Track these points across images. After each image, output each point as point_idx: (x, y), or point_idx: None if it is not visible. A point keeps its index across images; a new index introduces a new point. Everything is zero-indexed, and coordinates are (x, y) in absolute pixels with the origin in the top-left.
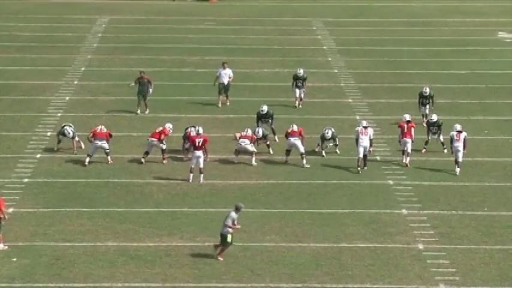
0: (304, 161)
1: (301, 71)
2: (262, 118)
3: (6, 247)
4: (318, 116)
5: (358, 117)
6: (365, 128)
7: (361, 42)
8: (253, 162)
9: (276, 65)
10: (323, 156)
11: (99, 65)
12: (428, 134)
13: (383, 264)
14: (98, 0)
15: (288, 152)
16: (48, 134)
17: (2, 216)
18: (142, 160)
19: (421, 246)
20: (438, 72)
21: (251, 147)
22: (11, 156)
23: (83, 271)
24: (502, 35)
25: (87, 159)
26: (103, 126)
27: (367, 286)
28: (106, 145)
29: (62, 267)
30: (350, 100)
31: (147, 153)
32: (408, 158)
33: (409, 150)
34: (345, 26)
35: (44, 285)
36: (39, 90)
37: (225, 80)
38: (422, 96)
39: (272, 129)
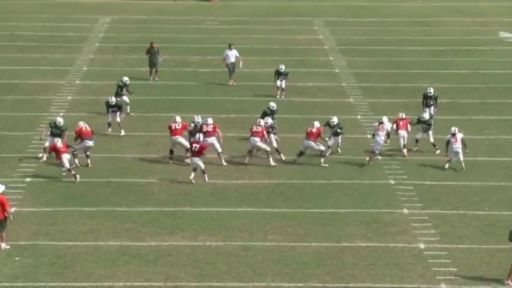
0: (322, 160)
1: (283, 67)
2: (268, 115)
3: (8, 246)
4: (320, 115)
5: (359, 117)
6: (381, 123)
7: (362, 41)
8: (272, 163)
9: (278, 65)
10: (328, 147)
11: (101, 64)
12: (418, 132)
13: (384, 264)
14: (99, 0)
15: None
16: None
17: (6, 215)
18: (170, 161)
19: (422, 246)
20: (439, 72)
21: (263, 145)
22: (13, 155)
23: (84, 270)
24: (503, 34)
25: (76, 160)
26: (86, 124)
27: (369, 285)
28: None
29: (64, 267)
30: (351, 100)
31: (172, 151)
32: (405, 150)
33: (405, 142)
34: (347, 26)
35: (46, 284)
36: (41, 90)
37: (232, 60)
38: (426, 96)
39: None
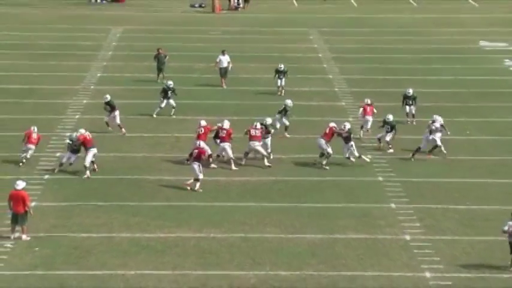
0: (324, 162)
1: (281, 66)
2: (284, 112)
3: (28, 238)
4: (315, 118)
5: (350, 119)
6: (433, 121)
7: (353, 50)
8: (266, 163)
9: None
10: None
11: (113, 71)
12: (382, 132)
13: (373, 254)
14: (112, 12)
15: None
16: (67, 134)
17: (27, 209)
18: (187, 162)
19: (408, 237)
20: (424, 78)
21: (261, 149)
22: (33, 154)
23: (99, 260)
24: (482, 43)
25: (95, 166)
26: (88, 132)
27: (359, 273)
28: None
29: (79, 257)
30: (343, 103)
31: (191, 154)
32: (362, 132)
33: (369, 126)
34: (339, 36)
35: (63, 272)
36: (59, 94)
37: (225, 65)
38: (406, 97)
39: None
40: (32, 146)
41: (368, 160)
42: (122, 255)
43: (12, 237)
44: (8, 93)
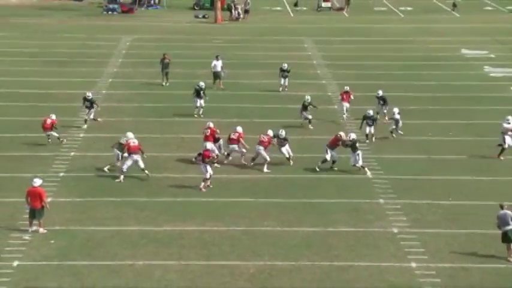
0: (319, 165)
1: (285, 65)
2: (307, 106)
3: (45, 231)
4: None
5: (342, 121)
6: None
7: (345, 57)
8: (265, 170)
9: (273, 77)
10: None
11: (123, 77)
12: (365, 127)
13: (363, 246)
14: (123, 22)
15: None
16: (81, 135)
17: (44, 205)
18: (194, 159)
19: (395, 230)
20: (410, 83)
21: (264, 154)
22: (49, 154)
23: (110, 251)
24: (464, 51)
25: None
26: (134, 140)
27: (350, 264)
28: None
29: (92, 248)
30: (335, 107)
31: (200, 154)
32: (345, 116)
33: (345, 111)
34: (332, 44)
35: (77, 263)
36: (73, 98)
37: (218, 69)
38: (377, 97)
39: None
40: (48, 132)
41: (370, 175)
42: (131, 246)
43: (30, 230)
44: (26, 97)
